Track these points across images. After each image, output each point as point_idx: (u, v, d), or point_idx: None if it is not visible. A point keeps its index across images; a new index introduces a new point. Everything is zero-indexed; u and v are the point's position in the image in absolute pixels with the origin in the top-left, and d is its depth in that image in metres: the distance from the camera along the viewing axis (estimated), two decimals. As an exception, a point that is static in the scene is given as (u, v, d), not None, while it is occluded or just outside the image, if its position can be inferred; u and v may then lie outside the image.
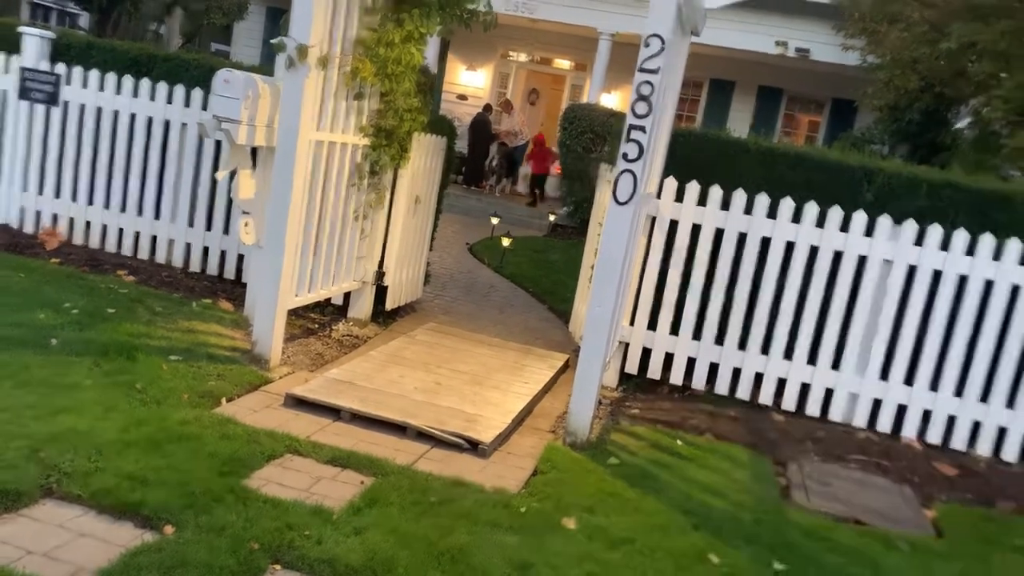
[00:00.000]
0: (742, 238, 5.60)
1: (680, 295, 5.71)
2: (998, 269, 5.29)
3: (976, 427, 5.43)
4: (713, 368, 5.76)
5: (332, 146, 5.37)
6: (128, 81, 6.59)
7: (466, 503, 3.62)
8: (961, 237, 5.32)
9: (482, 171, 16.35)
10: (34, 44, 6.81)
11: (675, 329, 5.75)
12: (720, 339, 5.71)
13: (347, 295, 6.33)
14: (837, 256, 5.49)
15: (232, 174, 5.34)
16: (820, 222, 5.49)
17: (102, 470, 3.35)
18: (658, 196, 5.64)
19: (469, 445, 4.30)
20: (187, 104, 6.47)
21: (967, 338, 5.39)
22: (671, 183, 5.63)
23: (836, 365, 5.58)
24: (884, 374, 5.52)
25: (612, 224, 4.53)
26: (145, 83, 6.56)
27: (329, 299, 6.16)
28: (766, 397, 5.68)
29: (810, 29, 14.31)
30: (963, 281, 5.36)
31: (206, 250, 6.63)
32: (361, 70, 5.37)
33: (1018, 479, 5.09)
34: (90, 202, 6.84)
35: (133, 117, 6.63)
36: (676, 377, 5.78)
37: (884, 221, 5.40)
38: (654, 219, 5.66)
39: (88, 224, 6.87)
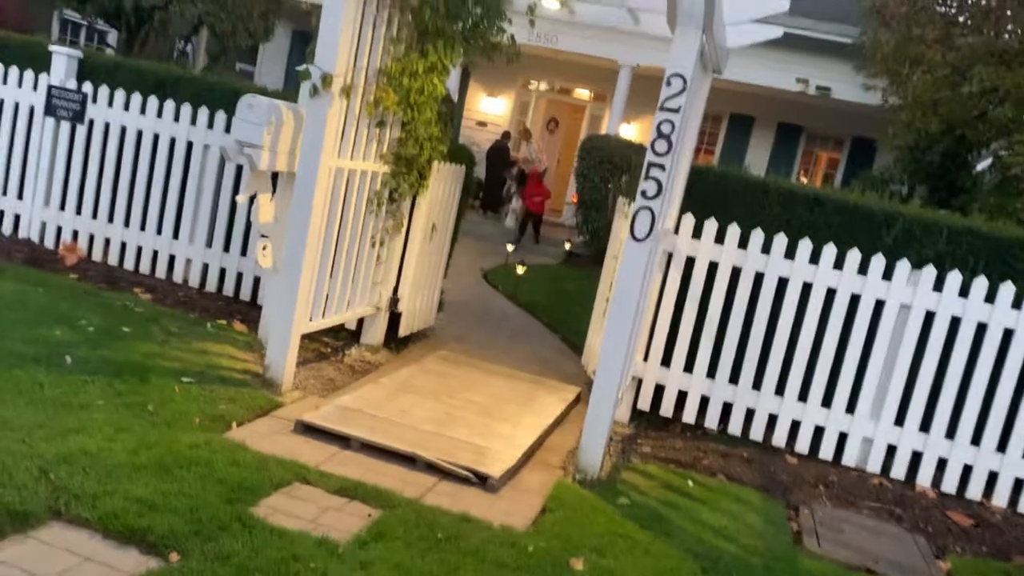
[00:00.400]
0: (759, 277, 5.58)
1: (695, 332, 5.68)
2: (1018, 317, 5.24)
3: (992, 477, 5.35)
4: (727, 407, 5.71)
5: (352, 173, 5.40)
6: (153, 102, 6.69)
7: (473, 540, 3.59)
8: (980, 284, 5.28)
9: (499, 198, 16.41)
10: (62, 62, 6.93)
11: (689, 367, 5.71)
12: (734, 378, 5.67)
13: (360, 320, 6.33)
14: (855, 299, 5.46)
15: (252, 197, 5.37)
16: (838, 264, 5.47)
17: (111, 493, 3.34)
18: (675, 232, 5.63)
19: (478, 479, 4.27)
20: (210, 126, 6.55)
21: (985, 386, 5.32)
22: (689, 220, 5.62)
23: (851, 409, 5.52)
24: (899, 419, 5.46)
25: (629, 260, 4.52)
26: (169, 104, 6.65)
27: (343, 324, 6.16)
28: (779, 439, 5.63)
29: (831, 68, 14.34)
30: (982, 328, 5.31)
31: (223, 271, 6.68)
32: (384, 99, 5.40)
33: (1035, 532, 5.00)
34: (110, 219, 6.92)
35: (156, 137, 6.72)
36: (689, 415, 5.74)
37: (902, 265, 5.37)
38: (671, 255, 5.65)
39: (107, 241, 6.94)
